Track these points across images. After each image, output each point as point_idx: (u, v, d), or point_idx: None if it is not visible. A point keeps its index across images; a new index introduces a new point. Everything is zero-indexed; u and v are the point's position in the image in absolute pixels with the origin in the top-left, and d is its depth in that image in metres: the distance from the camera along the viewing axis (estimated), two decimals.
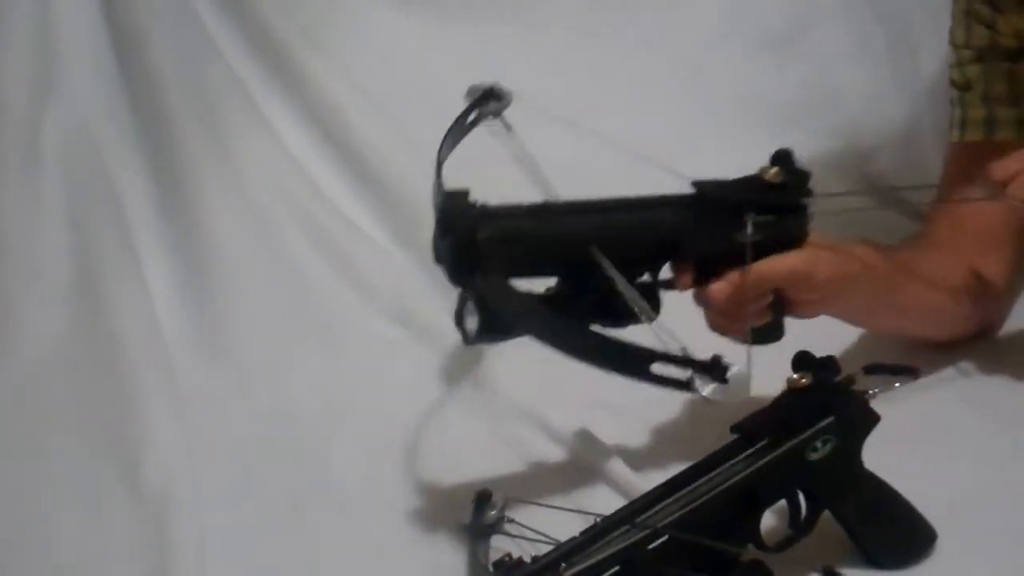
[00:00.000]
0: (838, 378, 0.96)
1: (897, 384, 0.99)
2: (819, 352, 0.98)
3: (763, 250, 0.97)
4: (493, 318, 0.92)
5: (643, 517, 0.88)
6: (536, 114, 0.95)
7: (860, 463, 0.97)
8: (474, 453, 1.11)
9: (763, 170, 0.97)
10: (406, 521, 1.03)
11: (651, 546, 0.86)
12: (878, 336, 1.22)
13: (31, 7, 1.30)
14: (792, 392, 0.95)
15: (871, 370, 1.00)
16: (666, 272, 0.99)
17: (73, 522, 1.03)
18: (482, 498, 0.97)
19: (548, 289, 0.96)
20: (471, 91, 0.98)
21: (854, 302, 1.08)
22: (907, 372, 1.00)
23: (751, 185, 0.97)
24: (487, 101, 0.97)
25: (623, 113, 1.39)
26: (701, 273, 0.98)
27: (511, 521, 0.95)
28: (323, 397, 1.19)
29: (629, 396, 1.15)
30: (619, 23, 1.53)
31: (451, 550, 0.98)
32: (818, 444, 0.94)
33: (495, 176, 0.91)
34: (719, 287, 0.97)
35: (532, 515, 0.94)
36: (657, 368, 0.86)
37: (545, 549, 0.87)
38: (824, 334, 1.13)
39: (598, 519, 0.88)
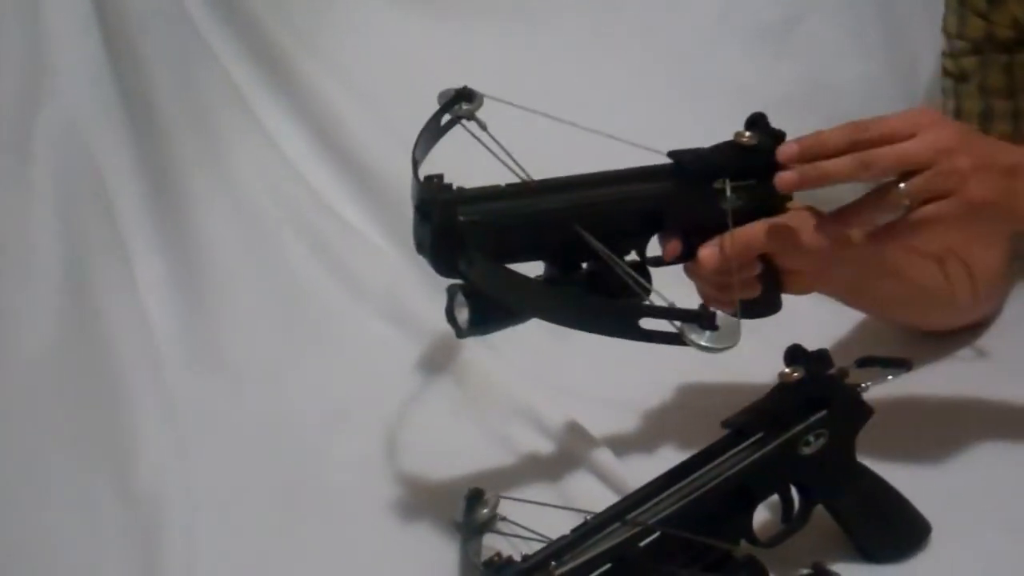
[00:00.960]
0: (830, 371, 0.96)
1: (890, 377, 0.99)
2: (812, 345, 0.98)
3: (748, 218, 0.97)
4: (483, 308, 0.92)
5: (634, 514, 0.88)
6: (530, 116, 0.95)
7: (853, 457, 0.97)
8: (466, 451, 1.10)
9: (738, 134, 0.97)
10: (398, 521, 1.03)
11: (643, 543, 0.86)
12: (873, 328, 1.22)
13: (22, 10, 1.29)
14: (784, 386, 0.95)
15: (864, 363, 1.00)
16: (654, 250, 0.98)
17: (64, 526, 1.02)
18: (473, 496, 0.96)
19: (538, 276, 0.96)
20: (442, 95, 0.98)
21: (846, 275, 1.06)
22: (900, 365, 1.00)
23: (727, 150, 0.98)
24: (459, 103, 0.97)
25: (614, 108, 1.39)
26: (688, 246, 0.98)
27: (503, 519, 0.94)
28: (314, 399, 1.19)
29: (620, 389, 1.16)
30: (615, 19, 1.53)
31: (443, 549, 0.98)
32: (811, 438, 0.94)
33: (475, 178, 0.91)
34: (707, 253, 0.96)
35: (524, 512, 0.94)
36: (647, 324, 0.87)
37: (537, 547, 0.87)
38: (818, 327, 1.14)
39: (588, 516, 0.88)
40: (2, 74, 1.27)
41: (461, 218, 0.89)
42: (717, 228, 0.96)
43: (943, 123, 0.96)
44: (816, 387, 0.95)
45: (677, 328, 0.86)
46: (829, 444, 0.94)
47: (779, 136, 0.98)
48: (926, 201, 0.93)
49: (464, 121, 0.97)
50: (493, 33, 1.47)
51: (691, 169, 0.96)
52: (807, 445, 0.94)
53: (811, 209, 1.01)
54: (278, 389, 1.20)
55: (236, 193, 1.32)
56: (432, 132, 0.97)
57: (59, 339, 1.14)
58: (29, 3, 1.29)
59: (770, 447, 0.92)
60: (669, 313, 0.87)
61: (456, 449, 1.11)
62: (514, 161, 0.94)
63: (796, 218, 0.99)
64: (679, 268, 0.99)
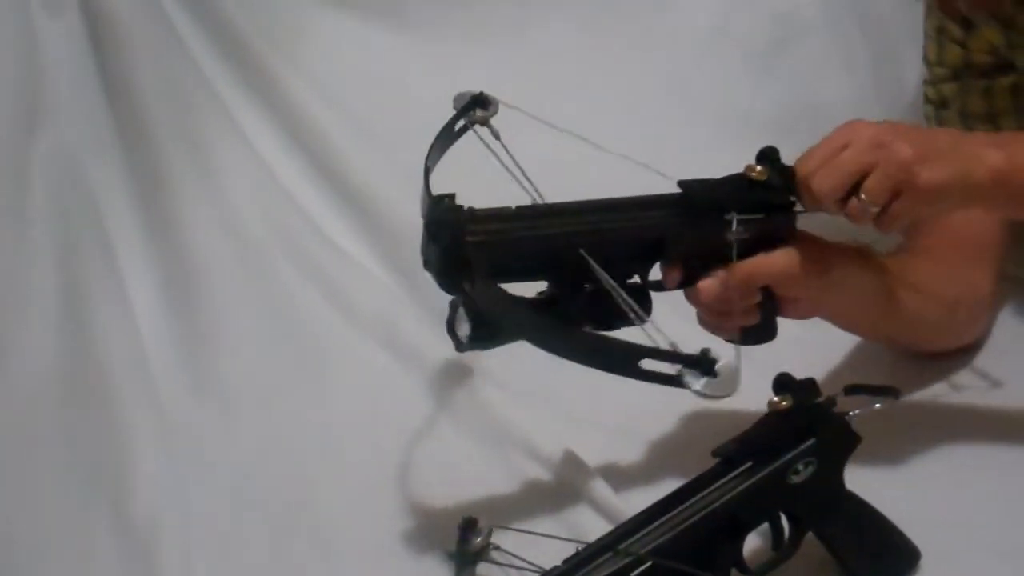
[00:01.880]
0: (818, 400, 0.97)
1: (877, 405, 1.00)
2: (804, 370, 0.98)
3: (751, 248, 0.98)
4: (484, 324, 0.93)
5: (626, 544, 0.88)
6: (525, 125, 0.96)
7: (842, 484, 0.97)
8: (460, 478, 1.11)
9: (748, 168, 0.98)
10: (391, 549, 1.03)
11: (634, 573, 0.87)
12: (864, 353, 1.22)
13: (17, 35, 1.30)
14: (773, 415, 0.96)
15: (852, 391, 1.01)
16: (657, 273, 0.99)
17: (61, 552, 1.02)
18: (467, 525, 0.96)
19: (539, 293, 0.97)
20: (458, 99, 0.98)
21: (844, 302, 1.08)
22: (888, 392, 1.00)
23: (736, 183, 0.98)
24: (474, 109, 0.98)
25: (608, 127, 1.39)
26: (691, 272, 0.99)
27: (496, 548, 0.94)
28: (309, 426, 1.19)
29: (615, 414, 1.16)
30: (604, 38, 1.54)
31: None
32: (799, 467, 0.94)
33: (483, 184, 0.91)
34: (707, 284, 0.97)
35: (518, 542, 0.94)
36: (647, 364, 0.88)
37: None
38: (810, 351, 1.14)
39: (580, 547, 0.89)
40: None
41: (469, 239, 0.90)
42: (721, 258, 0.97)
43: (870, 125, 0.98)
44: (804, 416, 0.96)
45: (676, 372, 0.87)
46: (818, 472, 0.95)
47: (789, 172, 0.98)
48: (893, 197, 0.94)
49: (476, 127, 0.97)
50: (480, 50, 1.48)
51: (700, 201, 0.97)
52: (796, 474, 0.94)
53: (809, 237, 1.02)
54: (272, 415, 1.20)
55: (230, 217, 1.33)
56: (445, 138, 0.98)
57: (55, 367, 1.14)
58: (25, 32, 1.29)
59: (759, 476, 0.93)
60: (670, 356, 0.87)
61: (450, 478, 1.11)
62: (521, 171, 0.95)
63: (799, 253, 1.00)
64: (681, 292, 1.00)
